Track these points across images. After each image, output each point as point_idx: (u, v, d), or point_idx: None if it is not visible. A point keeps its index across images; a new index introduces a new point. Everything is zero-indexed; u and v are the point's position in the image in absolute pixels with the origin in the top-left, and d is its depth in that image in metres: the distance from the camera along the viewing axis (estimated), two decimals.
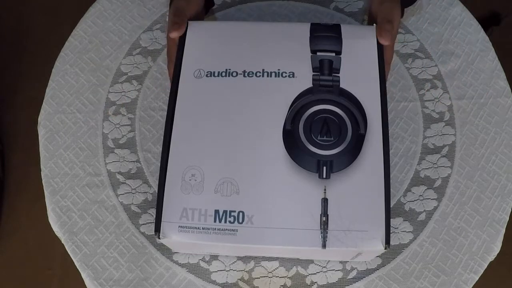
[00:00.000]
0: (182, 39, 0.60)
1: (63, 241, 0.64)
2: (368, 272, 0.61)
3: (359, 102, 0.56)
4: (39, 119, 0.70)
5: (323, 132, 0.54)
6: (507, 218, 0.65)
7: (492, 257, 0.63)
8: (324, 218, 0.52)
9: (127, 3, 0.77)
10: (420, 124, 0.69)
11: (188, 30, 0.60)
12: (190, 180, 0.53)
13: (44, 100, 0.71)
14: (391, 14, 0.60)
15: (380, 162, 0.54)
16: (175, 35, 0.59)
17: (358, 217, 0.52)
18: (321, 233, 0.51)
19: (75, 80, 0.72)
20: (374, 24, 0.61)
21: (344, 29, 0.60)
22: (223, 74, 0.57)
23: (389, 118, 0.58)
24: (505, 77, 0.72)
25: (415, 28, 0.75)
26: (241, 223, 0.52)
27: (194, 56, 0.59)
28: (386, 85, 0.58)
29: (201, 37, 0.60)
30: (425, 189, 0.65)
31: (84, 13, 0.77)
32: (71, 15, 0.82)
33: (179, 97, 0.57)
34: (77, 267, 0.62)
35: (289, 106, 0.55)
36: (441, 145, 0.68)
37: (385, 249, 0.51)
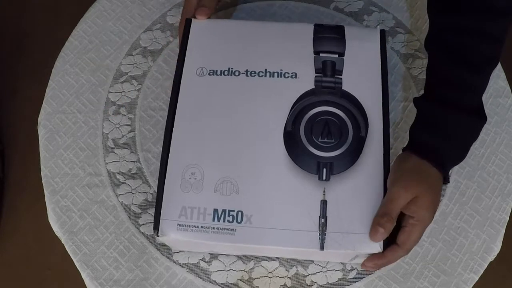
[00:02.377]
0: (185, 37, 0.59)
1: (63, 241, 0.64)
2: (368, 272, 0.61)
3: (361, 104, 0.55)
4: (39, 119, 0.70)
5: (324, 134, 0.54)
6: (507, 218, 0.65)
7: (492, 257, 0.63)
8: (322, 220, 0.52)
9: (127, 3, 0.77)
10: None
11: (191, 28, 0.60)
12: (189, 178, 0.53)
13: (44, 100, 0.71)
14: (395, 204, 0.52)
15: (380, 165, 0.54)
16: (203, 17, 0.60)
17: (357, 219, 0.52)
18: (319, 235, 0.51)
19: (75, 80, 0.72)
20: (378, 26, 0.60)
21: (348, 30, 0.60)
22: (226, 73, 0.57)
23: (389, 118, 0.58)
24: (505, 77, 0.72)
25: (415, 28, 0.75)
26: (240, 222, 0.52)
27: (197, 54, 0.59)
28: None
29: (204, 35, 0.60)
30: None
31: (84, 13, 0.77)
32: (71, 15, 0.83)
33: (181, 94, 0.57)
34: (77, 267, 0.62)
35: (290, 107, 0.55)
36: None
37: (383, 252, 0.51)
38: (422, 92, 0.71)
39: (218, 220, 0.52)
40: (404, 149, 0.58)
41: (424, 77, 0.71)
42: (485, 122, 0.57)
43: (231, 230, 0.52)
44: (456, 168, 0.66)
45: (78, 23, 0.76)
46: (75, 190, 0.66)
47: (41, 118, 0.70)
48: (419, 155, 0.54)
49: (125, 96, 0.71)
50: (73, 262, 0.63)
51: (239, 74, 0.57)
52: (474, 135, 0.58)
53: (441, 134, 0.55)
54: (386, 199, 0.53)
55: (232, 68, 0.58)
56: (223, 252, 0.61)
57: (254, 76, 0.57)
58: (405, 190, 0.52)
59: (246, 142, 0.54)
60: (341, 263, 0.61)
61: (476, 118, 0.57)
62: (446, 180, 0.56)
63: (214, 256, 0.62)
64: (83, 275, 0.62)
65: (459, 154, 0.58)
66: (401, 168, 0.54)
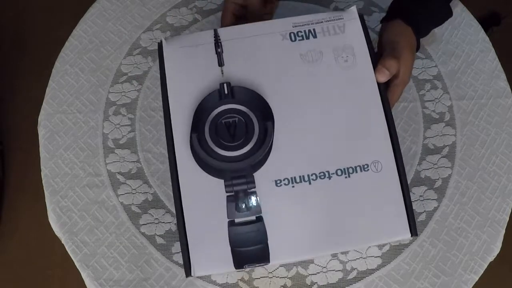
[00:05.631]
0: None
1: (63, 242, 0.64)
2: (368, 272, 0.61)
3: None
4: (39, 119, 0.70)
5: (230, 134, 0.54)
6: (507, 219, 0.65)
7: (492, 257, 0.63)
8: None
9: (127, 3, 0.77)
10: (420, 125, 0.69)
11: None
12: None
13: (44, 100, 0.71)
14: (399, 52, 0.58)
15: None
16: None
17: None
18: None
19: (75, 80, 0.72)
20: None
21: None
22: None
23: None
24: (505, 77, 0.72)
25: None
26: None
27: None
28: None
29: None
30: (426, 190, 0.65)
31: (84, 13, 0.77)
32: (71, 15, 0.82)
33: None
34: (77, 267, 0.62)
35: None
36: (442, 146, 0.68)
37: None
38: (422, 92, 0.71)
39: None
40: (390, 18, 0.63)
41: (424, 77, 0.72)
42: (451, 16, 0.67)
43: None
44: (456, 168, 0.66)
45: (78, 23, 0.76)
46: (75, 190, 0.65)
47: (41, 118, 0.70)
48: (406, 22, 0.61)
49: (125, 96, 0.71)
50: (73, 262, 0.63)
51: None
52: (440, 22, 0.67)
53: (425, 8, 0.63)
54: (391, 54, 0.57)
55: None
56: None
57: None
58: (410, 53, 0.59)
59: None
60: (341, 263, 0.61)
61: (448, 6, 0.66)
62: (418, 48, 0.63)
63: None
64: (83, 275, 0.62)
65: (427, 31, 0.66)
66: (400, 34, 0.61)
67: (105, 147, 0.68)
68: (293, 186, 0.52)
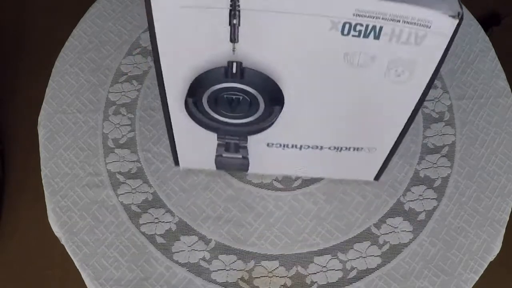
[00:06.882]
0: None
1: (63, 241, 0.64)
2: (368, 271, 0.61)
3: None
4: (39, 119, 0.70)
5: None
6: (507, 218, 0.65)
7: (492, 257, 0.63)
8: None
9: (127, 3, 0.77)
10: (420, 124, 0.69)
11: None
12: None
13: (44, 100, 0.71)
14: None
15: None
16: None
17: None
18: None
19: (75, 80, 0.72)
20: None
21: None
22: None
23: None
24: (505, 77, 0.72)
25: None
26: None
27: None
28: None
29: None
30: (425, 189, 0.65)
31: (84, 13, 0.77)
32: (71, 15, 0.83)
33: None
34: (78, 267, 0.62)
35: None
36: (441, 145, 0.68)
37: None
38: None
39: None
40: None
41: None
42: None
43: None
44: (456, 168, 0.67)
45: (78, 23, 0.76)
46: (75, 190, 0.66)
47: (41, 118, 0.70)
48: None
49: (125, 96, 0.71)
50: (73, 262, 0.63)
51: None
52: None
53: None
54: None
55: None
56: None
57: None
58: None
59: None
60: (341, 262, 0.61)
61: None
62: None
63: (214, 255, 0.62)
64: (83, 275, 0.62)
65: None
66: None
67: (105, 147, 0.68)
68: (283, 149, 0.56)
